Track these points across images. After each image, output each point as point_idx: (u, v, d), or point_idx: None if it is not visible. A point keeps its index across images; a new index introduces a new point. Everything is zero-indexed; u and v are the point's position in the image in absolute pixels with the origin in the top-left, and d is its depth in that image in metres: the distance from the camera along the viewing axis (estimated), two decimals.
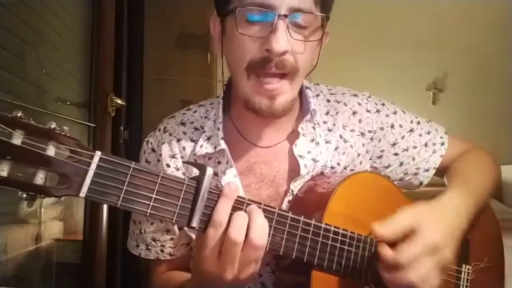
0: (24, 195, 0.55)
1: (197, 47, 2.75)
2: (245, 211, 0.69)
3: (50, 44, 1.75)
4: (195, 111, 1.00)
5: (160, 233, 0.95)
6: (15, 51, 1.49)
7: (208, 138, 0.93)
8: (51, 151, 0.56)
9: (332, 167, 0.94)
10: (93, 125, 1.82)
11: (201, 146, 0.92)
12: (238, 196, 0.70)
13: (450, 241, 0.79)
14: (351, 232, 0.80)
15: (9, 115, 0.54)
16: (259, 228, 0.68)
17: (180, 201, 0.66)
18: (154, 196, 0.64)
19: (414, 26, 3.44)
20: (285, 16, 0.78)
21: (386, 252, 0.76)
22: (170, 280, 0.97)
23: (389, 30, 3.43)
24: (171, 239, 0.95)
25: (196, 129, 0.96)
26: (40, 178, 0.55)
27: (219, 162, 0.92)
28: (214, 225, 0.67)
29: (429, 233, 0.76)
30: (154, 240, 0.95)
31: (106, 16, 1.87)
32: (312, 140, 0.95)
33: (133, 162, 0.63)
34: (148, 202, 0.64)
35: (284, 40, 0.78)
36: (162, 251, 0.96)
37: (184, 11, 2.62)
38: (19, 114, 0.54)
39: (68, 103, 1.87)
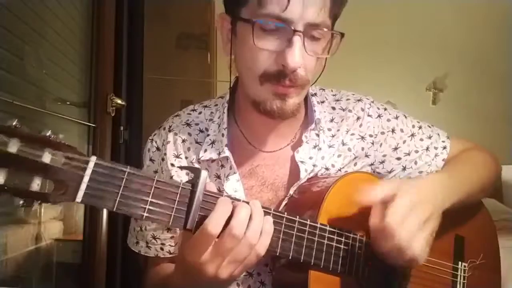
0: (21, 202, 0.56)
1: (197, 47, 2.76)
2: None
3: (50, 44, 1.75)
4: (200, 112, 1.00)
5: (160, 231, 0.95)
6: (15, 51, 1.50)
7: (212, 143, 0.93)
8: (46, 158, 0.57)
9: (327, 168, 0.95)
10: (93, 125, 1.83)
11: (205, 150, 0.93)
12: (235, 198, 0.72)
13: (429, 205, 0.80)
14: (346, 231, 0.81)
15: (5, 124, 0.55)
16: (256, 225, 0.69)
17: (175, 204, 0.67)
18: (149, 199, 0.65)
19: (414, 26, 3.43)
20: (302, 32, 0.78)
21: (375, 219, 0.77)
22: (160, 270, 0.98)
23: (389, 30, 3.42)
24: (172, 237, 0.96)
25: (201, 131, 0.97)
26: (36, 184, 0.56)
27: (222, 166, 0.93)
28: (205, 234, 0.67)
29: (408, 194, 0.78)
30: (154, 238, 0.96)
31: (106, 16, 1.87)
32: (315, 147, 0.95)
33: (128, 167, 0.64)
34: (144, 206, 0.65)
35: (299, 56, 0.79)
36: (162, 249, 0.97)
37: (184, 11, 2.62)
38: (14, 123, 0.55)
39: (68, 103, 1.87)
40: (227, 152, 0.91)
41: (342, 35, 0.85)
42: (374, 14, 3.38)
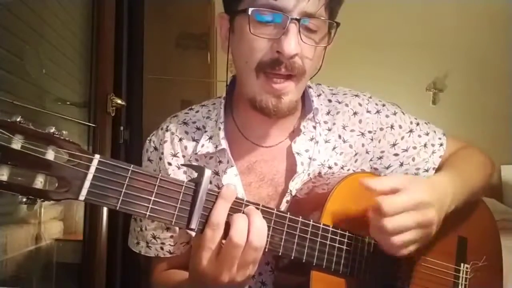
0: (24, 199, 0.55)
1: (197, 47, 2.75)
2: (243, 213, 0.70)
3: (50, 44, 1.75)
4: (197, 111, 1.01)
5: (160, 230, 0.95)
6: (15, 51, 1.50)
7: (210, 138, 0.94)
8: (50, 155, 0.57)
9: (330, 167, 0.95)
10: (93, 125, 1.82)
11: (202, 145, 0.93)
12: (237, 198, 0.71)
13: (438, 207, 0.78)
14: (349, 232, 0.81)
15: (9, 120, 0.54)
16: (258, 229, 0.69)
17: (179, 203, 0.67)
18: (153, 198, 0.65)
19: (414, 26, 3.44)
20: (297, 20, 0.80)
21: (378, 198, 0.74)
22: (169, 278, 0.98)
23: (389, 30, 3.43)
24: (171, 236, 0.96)
25: (198, 128, 0.97)
26: (39, 182, 0.56)
27: (220, 161, 0.93)
28: (211, 227, 0.68)
29: (417, 192, 0.75)
30: (154, 237, 0.96)
31: (106, 16, 1.87)
32: (312, 139, 0.95)
33: (132, 165, 0.64)
34: (147, 205, 0.64)
35: (295, 43, 0.80)
36: (162, 248, 0.97)
37: (184, 11, 2.62)
38: (18, 119, 0.54)
39: (68, 103, 1.87)
40: (223, 144, 0.91)
41: (338, 24, 0.86)
42: (374, 14, 3.38)
